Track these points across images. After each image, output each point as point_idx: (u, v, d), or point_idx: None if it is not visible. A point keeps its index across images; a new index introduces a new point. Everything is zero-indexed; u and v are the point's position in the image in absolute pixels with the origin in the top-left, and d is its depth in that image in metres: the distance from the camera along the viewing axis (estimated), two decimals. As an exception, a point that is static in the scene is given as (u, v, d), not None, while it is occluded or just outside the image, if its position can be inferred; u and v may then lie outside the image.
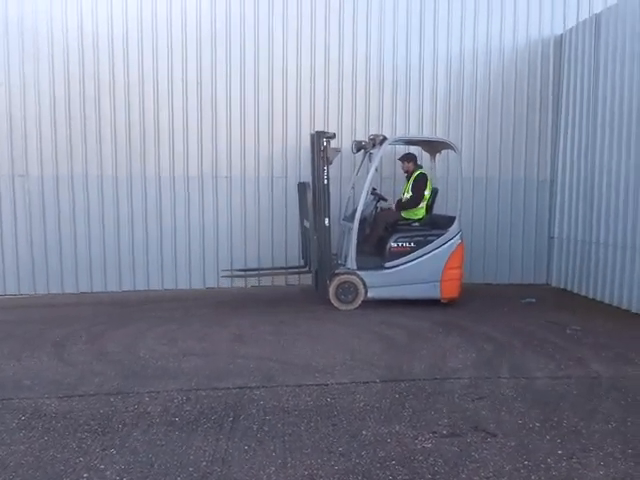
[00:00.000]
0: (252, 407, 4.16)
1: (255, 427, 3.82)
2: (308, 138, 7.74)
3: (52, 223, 8.25)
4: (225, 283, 8.63)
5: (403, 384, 4.64)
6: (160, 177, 8.44)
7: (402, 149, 8.36)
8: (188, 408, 4.14)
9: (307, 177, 7.86)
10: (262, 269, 8.60)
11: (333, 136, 7.36)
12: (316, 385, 4.60)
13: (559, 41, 8.91)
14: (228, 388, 4.52)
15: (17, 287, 8.24)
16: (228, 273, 8.23)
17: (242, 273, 8.49)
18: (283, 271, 8.54)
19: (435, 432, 3.76)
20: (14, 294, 8.18)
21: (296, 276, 8.72)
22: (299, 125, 8.54)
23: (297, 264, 8.45)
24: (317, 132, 7.38)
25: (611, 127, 7.68)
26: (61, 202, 8.25)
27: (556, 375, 4.89)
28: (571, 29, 8.69)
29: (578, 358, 5.34)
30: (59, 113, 8.16)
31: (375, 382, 4.68)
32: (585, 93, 8.30)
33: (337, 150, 7.49)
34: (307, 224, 7.47)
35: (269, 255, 8.75)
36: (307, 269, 7.80)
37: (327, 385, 4.60)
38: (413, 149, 8.17)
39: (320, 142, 7.20)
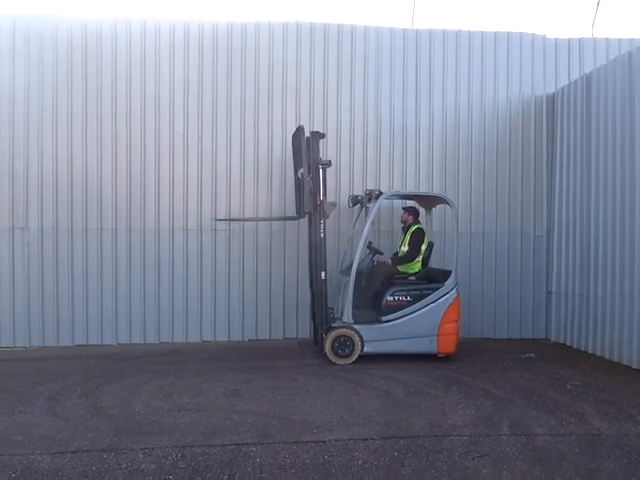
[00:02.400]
0: (248, 465, 4.08)
1: (251, 486, 3.74)
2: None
3: (50, 275, 8.26)
4: (222, 336, 8.60)
5: (402, 441, 4.56)
6: (159, 229, 8.50)
7: (399, 204, 8.49)
8: (183, 465, 4.05)
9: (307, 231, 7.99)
10: (255, 218, 8.67)
11: (329, 163, 7.48)
12: (314, 442, 4.52)
13: (552, 99, 9.16)
14: (224, 445, 4.44)
15: (12, 339, 8.17)
16: (224, 219, 8.47)
17: (239, 218, 8.58)
18: (279, 218, 8.62)
19: (435, 491, 3.68)
20: (9, 346, 8.10)
21: (294, 330, 8.72)
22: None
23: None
24: (312, 132, 7.50)
25: (605, 182, 7.80)
26: (60, 254, 8.28)
27: (557, 432, 4.82)
28: (563, 88, 8.94)
29: (579, 414, 5.27)
30: (61, 166, 8.29)
31: (374, 439, 4.60)
32: (578, 149, 8.47)
33: (333, 204, 7.57)
34: (300, 174, 7.49)
35: (267, 303, 8.75)
36: (297, 217, 7.97)
37: (325, 442, 4.52)
38: (409, 204, 8.26)
39: (316, 143, 7.36)
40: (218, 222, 8.57)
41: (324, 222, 7.37)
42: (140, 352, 7.91)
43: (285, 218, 8.51)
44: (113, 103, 8.41)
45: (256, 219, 8.65)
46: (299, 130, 7.49)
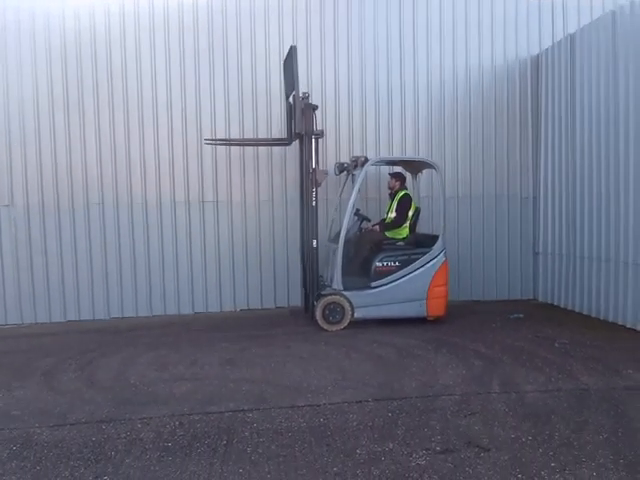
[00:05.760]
0: (245, 430, 4.15)
1: (249, 450, 3.81)
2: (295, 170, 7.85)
3: (38, 252, 8.22)
4: (214, 308, 8.65)
5: (395, 402, 4.65)
6: (147, 203, 8.45)
7: (386, 170, 8.49)
8: (181, 433, 4.12)
9: (296, 200, 8.00)
10: (246, 139, 8.58)
11: (321, 134, 7.49)
12: (309, 406, 4.61)
13: (536, 61, 9.12)
14: (221, 412, 4.51)
15: (4, 317, 8.18)
16: (211, 141, 8.23)
17: (228, 138, 8.43)
18: (269, 142, 8.52)
19: (429, 449, 3.78)
20: (1, 324, 8.10)
21: (285, 299, 8.79)
22: (285, 148, 8.55)
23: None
24: (306, 104, 7.35)
25: (589, 143, 7.84)
26: (47, 231, 8.23)
27: (546, 389, 4.93)
28: (547, 49, 8.90)
29: (567, 371, 5.39)
30: (44, 142, 8.18)
31: (367, 401, 4.69)
32: (563, 111, 8.47)
33: (325, 172, 7.55)
34: (292, 97, 7.40)
35: (257, 273, 8.78)
36: (287, 142, 7.93)
37: (320, 405, 4.61)
38: (396, 169, 8.25)
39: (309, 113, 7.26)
40: (205, 194, 8.53)
41: (316, 190, 7.36)
42: (133, 325, 7.94)
43: (275, 140, 8.37)
44: (94, 79, 8.25)
45: (247, 141, 8.50)
46: (291, 50, 7.33)
